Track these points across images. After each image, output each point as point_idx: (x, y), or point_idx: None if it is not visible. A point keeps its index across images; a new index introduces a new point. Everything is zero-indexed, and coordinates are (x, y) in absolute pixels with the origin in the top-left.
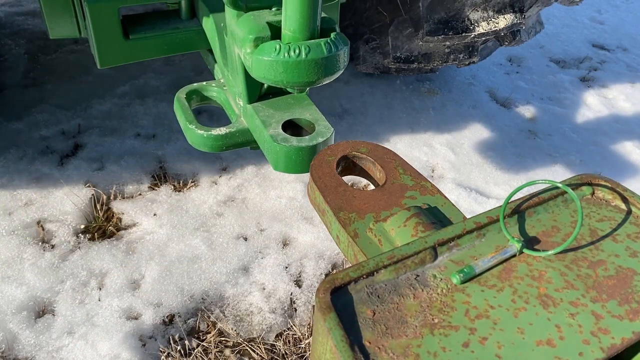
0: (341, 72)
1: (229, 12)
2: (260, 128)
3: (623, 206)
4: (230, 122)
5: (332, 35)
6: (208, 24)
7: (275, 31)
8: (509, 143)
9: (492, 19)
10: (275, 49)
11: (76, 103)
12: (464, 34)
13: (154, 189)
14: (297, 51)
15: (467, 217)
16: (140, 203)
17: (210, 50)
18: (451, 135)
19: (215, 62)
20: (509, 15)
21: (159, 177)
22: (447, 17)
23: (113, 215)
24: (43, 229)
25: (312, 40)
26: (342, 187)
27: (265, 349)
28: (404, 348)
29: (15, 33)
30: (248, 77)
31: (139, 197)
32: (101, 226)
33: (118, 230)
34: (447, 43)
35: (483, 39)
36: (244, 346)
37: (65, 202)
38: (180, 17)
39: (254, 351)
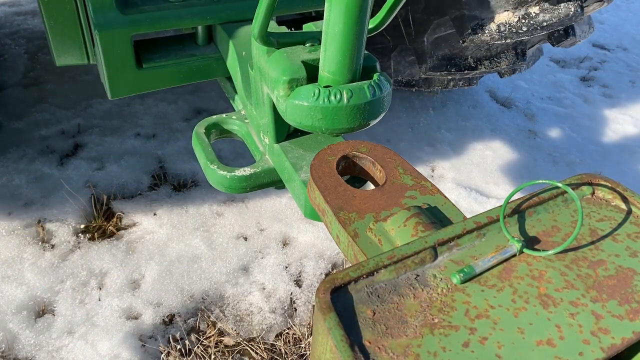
0: (384, 115)
1: (257, 47)
2: (290, 171)
3: (623, 206)
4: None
5: (375, 76)
6: (228, 51)
7: (311, 71)
8: (509, 143)
9: (495, 59)
10: (314, 94)
11: (76, 103)
12: (466, 72)
13: (154, 189)
14: (337, 96)
15: (467, 217)
16: (140, 203)
17: (229, 78)
18: (451, 134)
19: (235, 91)
20: (511, 56)
21: (159, 177)
22: (450, 54)
23: (113, 215)
24: (43, 229)
25: (354, 84)
26: (342, 187)
27: (265, 348)
28: (404, 348)
29: (15, 33)
30: (277, 117)
31: (139, 197)
32: (101, 226)
33: (118, 230)
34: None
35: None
36: (244, 346)
37: (65, 202)
38: (197, 42)
39: (254, 351)
